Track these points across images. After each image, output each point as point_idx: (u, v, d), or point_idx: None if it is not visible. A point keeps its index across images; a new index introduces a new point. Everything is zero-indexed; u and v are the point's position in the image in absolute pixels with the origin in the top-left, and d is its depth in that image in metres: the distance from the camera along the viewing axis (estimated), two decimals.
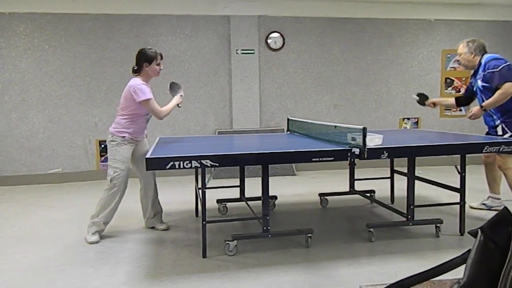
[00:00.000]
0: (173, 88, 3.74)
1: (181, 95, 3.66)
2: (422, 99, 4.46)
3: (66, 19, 5.97)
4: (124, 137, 3.43)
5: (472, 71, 4.01)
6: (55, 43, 5.97)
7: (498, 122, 3.83)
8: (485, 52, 3.89)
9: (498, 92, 3.64)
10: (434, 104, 4.46)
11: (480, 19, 7.00)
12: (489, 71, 3.73)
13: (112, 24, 6.08)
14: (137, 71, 3.49)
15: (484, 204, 4.16)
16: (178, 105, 3.62)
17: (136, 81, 3.40)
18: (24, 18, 5.87)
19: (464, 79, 7.05)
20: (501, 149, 3.23)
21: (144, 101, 3.35)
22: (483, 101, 3.85)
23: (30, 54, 5.92)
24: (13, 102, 5.93)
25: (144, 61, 3.44)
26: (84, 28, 6.02)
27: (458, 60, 4.08)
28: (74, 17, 5.98)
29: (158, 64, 3.49)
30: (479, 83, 3.86)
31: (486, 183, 4.17)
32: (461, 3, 6.77)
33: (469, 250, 0.82)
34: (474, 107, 3.85)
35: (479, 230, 0.80)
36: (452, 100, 4.42)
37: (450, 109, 7.11)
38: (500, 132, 3.83)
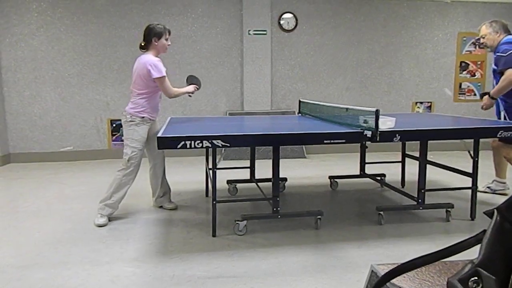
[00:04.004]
0: (191, 80, 3.77)
1: (196, 87, 3.70)
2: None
3: None
4: (143, 117, 3.42)
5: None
6: (67, 21, 5.97)
7: (501, 108, 3.87)
8: (509, 33, 3.83)
9: (501, 79, 3.64)
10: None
11: (499, 1, 6.81)
12: (498, 54, 3.71)
13: (124, 3, 6.04)
14: (144, 47, 3.45)
15: (488, 187, 4.17)
16: (189, 94, 3.65)
17: (151, 57, 3.37)
18: None
19: (479, 63, 6.91)
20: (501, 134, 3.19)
21: (159, 78, 3.34)
22: (495, 83, 3.84)
23: (43, 32, 5.93)
24: (26, 80, 5.97)
25: (153, 36, 3.40)
26: (96, 6, 6.00)
27: (482, 43, 3.97)
28: None
29: (167, 39, 3.46)
30: (493, 65, 3.85)
31: (494, 166, 4.16)
32: None
33: (484, 231, 0.81)
34: (485, 97, 3.85)
35: (495, 210, 0.78)
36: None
37: (465, 93, 6.99)
38: (502, 119, 3.87)
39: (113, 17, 6.04)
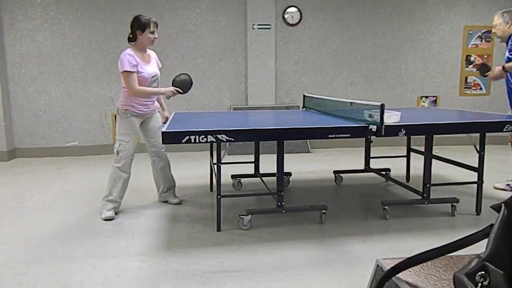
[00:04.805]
0: (176, 82, 3.46)
1: (178, 91, 3.41)
2: (484, 70, 4.18)
3: None
4: (127, 110, 3.41)
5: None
6: (71, 16, 5.97)
7: None
8: None
9: None
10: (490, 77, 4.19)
11: None
12: None
13: None
14: (132, 40, 3.41)
15: (508, 185, 4.09)
16: (167, 96, 3.46)
17: (125, 51, 3.34)
18: None
19: (486, 56, 6.84)
20: None
21: (122, 72, 3.30)
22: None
23: (47, 27, 5.94)
24: (31, 75, 5.99)
25: (136, 28, 3.35)
26: (100, 2, 5.99)
27: (493, 32, 4.01)
28: None
29: (152, 33, 3.37)
30: (507, 53, 3.81)
31: None
32: None
33: (491, 225, 0.80)
34: (496, 67, 3.83)
35: (502, 205, 0.77)
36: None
37: (470, 87, 6.93)
38: None
39: (117, 12, 6.03)
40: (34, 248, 2.84)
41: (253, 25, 6.27)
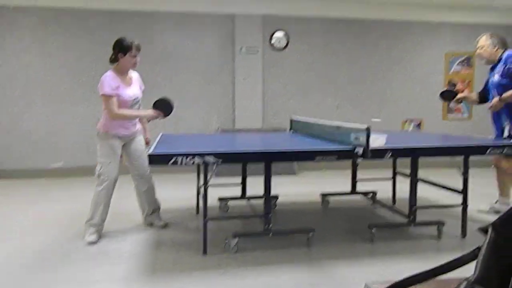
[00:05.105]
0: (158, 105, 3.38)
1: (159, 114, 3.35)
2: (450, 96, 4.28)
3: (71, 14, 5.97)
4: (107, 132, 3.37)
5: (490, 66, 3.99)
6: (59, 37, 5.97)
7: (506, 123, 3.81)
8: (506, 48, 3.87)
9: None
10: (461, 100, 4.34)
11: (485, 23, 6.98)
12: (509, 66, 3.70)
13: (116, 20, 6.08)
14: (113, 61, 3.37)
15: (493, 207, 4.13)
16: (148, 119, 3.39)
17: (106, 73, 3.31)
18: (29, 11, 5.87)
19: (467, 81, 7.04)
20: (504, 152, 3.22)
21: (101, 95, 3.25)
22: (494, 96, 3.84)
23: (35, 48, 5.92)
24: (17, 95, 5.93)
25: (118, 51, 3.32)
26: (89, 23, 6.03)
27: (478, 53, 3.97)
28: (79, 12, 5.98)
29: (134, 56, 3.34)
30: (496, 77, 3.84)
31: (497, 186, 4.12)
32: (465, 6, 6.75)
33: (479, 248, 0.81)
34: (494, 98, 3.81)
35: (490, 226, 0.78)
36: (475, 96, 4.30)
37: (453, 111, 7.09)
38: (506, 133, 3.80)
39: (105, 34, 6.04)
40: (15, 273, 2.75)
41: (241, 49, 6.36)
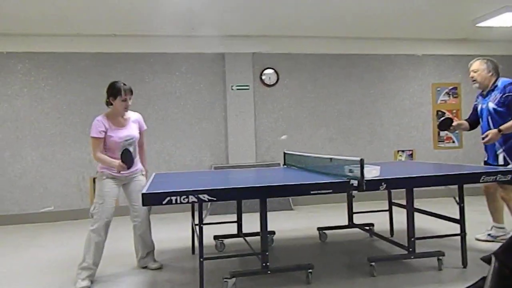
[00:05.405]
0: (123, 157, 3.24)
1: (123, 166, 3.24)
2: (447, 124, 4.15)
3: (63, 58, 6.05)
4: (102, 172, 3.40)
5: (479, 91, 4.00)
6: (51, 81, 6.02)
7: (500, 150, 3.78)
8: (499, 75, 3.87)
9: None
10: (455, 128, 4.22)
11: (467, 54, 7.18)
12: (508, 94, 3.68)
13: (108, 63, 6.17)
14: (109, 104, 3.48)
15: (489, 234, 4.09)
16: (118, 171, 3.30)
17: (97, 117, 3.42)
18: (22, 57, 5.94)
19: (455, 111, 7.16)
20: (497, 179, 3.22)
21: (91, 137, 3.37)
22: (488, 124, 3.82)
23: (26, 92, 5.95)
24: (7, 140, 5.90)
25: (109, 95, 3.43)
26: (81, 66, 6.10)
27: (472, 77, 3.92)
28: (71, 55, 6.07)
29: (124, 100, 3.40)
30: (491, 105, 3.80)
31: (489, 213, 4.10)
32: (447, 39, 6.98)
33: (483, 278, 0.79)
34: (491, 130, 3.66)
35: (493, 256, 0.77)
36: (466, 124, 4.21)
37: (444, 141, 7.17)
38: (501, 161, 3.76)
39: (97, 76, 6.12)
40: None
41: (232, 86, 6.45)
